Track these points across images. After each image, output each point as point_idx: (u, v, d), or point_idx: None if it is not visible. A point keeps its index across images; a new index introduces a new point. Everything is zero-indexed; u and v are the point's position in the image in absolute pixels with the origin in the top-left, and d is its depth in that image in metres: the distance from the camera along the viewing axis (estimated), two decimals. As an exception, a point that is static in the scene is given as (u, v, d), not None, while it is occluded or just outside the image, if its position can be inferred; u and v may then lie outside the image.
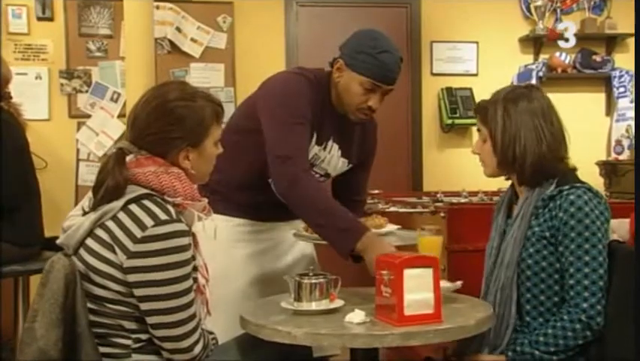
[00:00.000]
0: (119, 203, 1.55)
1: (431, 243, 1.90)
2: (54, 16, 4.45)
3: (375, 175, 4.51)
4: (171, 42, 4.54)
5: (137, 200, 1.56)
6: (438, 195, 3.56)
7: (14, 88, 4.30)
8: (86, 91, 4.49)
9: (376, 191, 3.89)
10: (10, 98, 3.12)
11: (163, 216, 1.54)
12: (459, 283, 1.88)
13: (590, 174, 4.31)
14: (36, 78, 4.44)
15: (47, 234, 3.08)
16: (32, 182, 3.11)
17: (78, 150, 4.47)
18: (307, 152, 2.06)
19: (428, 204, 3.19)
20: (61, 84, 4.48)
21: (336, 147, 2.20)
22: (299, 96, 2.04)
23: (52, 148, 4.40)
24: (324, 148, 2.17)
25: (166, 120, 1.64)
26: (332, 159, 2.21)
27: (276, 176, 1.98)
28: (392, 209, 3.30)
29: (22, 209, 2.97)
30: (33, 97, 4.41)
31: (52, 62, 4.46)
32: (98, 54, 4.51)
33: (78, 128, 4.47)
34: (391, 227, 2.11)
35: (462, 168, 4.52)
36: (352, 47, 2.06)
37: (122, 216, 1.54)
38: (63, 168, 4.41)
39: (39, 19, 4.43)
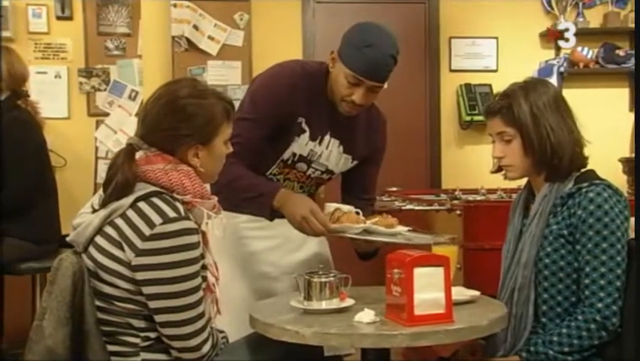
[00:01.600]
0: (128, 200, 1.54)
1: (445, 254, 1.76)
2: (73, 15, 4.48)
3: (393, 172, 4.52)
4: (188, 40, 4.53)
5: (145, 197, 1.55)
6: (456, 193, 3.52)
7: (34, 87, 4.38)
8: (105, 89, 4.51)
9: (394, 188, 3.86)
10: (28, 96, 3.15)
11: (171, 214, 1.53)
12: (477, 293, 1.84)
13: (613, 171, 4.22)
14: (55, 77, 4.48)
15: (65, 231, 3.10)
16: (49, 180, 3.14)
17: (97, 148, 4.49)
18: (245, 155, 2.04)
19: (445, 201, 3.15)
20: (80, 83, 4.51)
21: (336, 142, 2.18)
22: (269, 97, 2.06)
23: (72, 146, 4.44)
24: (320, 143, 2.15)
25: (176, 117, 1.64)
26: (331, 155, 2.18)
27: None
28: (408, 207, 3.26)
29: (40, 207, 3.00)
30: (52, 95, 4.45)
31: (72, 60, 4.49)
32: (116, 52, 4.53)
33: (97, 127, 4.49)
34: (401, 228, 2.07)
35: (481, 165, 4.45)
36: (346, 38, 2.05)
37: (130, 213, 1.54)
38: (82, 166, 4.44)
39: (58, 18, 4.47)
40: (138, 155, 1.62)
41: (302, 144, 2.13)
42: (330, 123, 2.14)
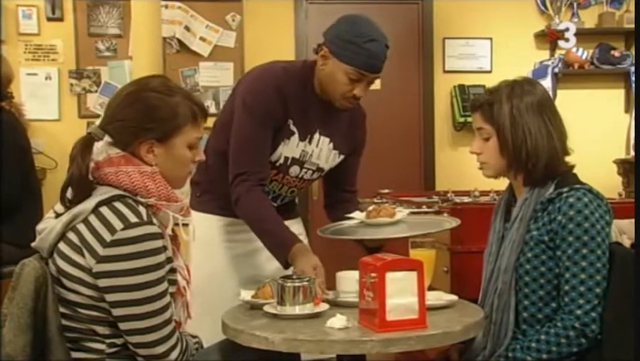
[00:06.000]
0: (90, 205, 1.50)
1: (422, 258, 1.73)
2: (64, 17, 4.47)
3: (386, 175, 4.50)
4: (180, 41, 4.52)
5: (108, 202, 1.51)
6: (448, 195, 3.47)
7: (25, 88, 4.36)
8: (96, 91, 4.50)
9: (386, 190, 3.82)
10: (12, 98, 3.12)
11: (133, 219, 1.49)
12: (455, 297, 1.80)
13: (608, 173, 4.19)
14: (46, 78, 4.47)
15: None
16: (34, 183, 3.11)
17: (87, 150, 4.46)
18: (265, 161, 2.07)
19: (433, 204, 3.11)
20: (71, 84, 4.50)
21: (326, 140, 2.16)
22: (260, 100, 2.04)
23: (62, 148, 4.39)
24: (310, 142, 2.13)
25: (135, 108, 1.59)
26: (322, 153, 2.17)
27: (231, 190, 2.05)
28: (398, 209, 3.22)
29: (23, 210, 2.97)
30: (43, 97, 4.45)
31: (62, 62, 4.49)
32: (107, 54, 4.51)
33: (88, 128, 4.46)
34: (401, 214, 2.07)
35: (475, 167, 4.39)
36: (338, 35, 2.01)
37: (92, 218, 1.49)
38: None
39: (49, 19, 4.46)
40: (102, 157, 1.57)
41: (293, 147, 2.11)
42: (317, 121, 2.12)
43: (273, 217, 2.02)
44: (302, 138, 2.11)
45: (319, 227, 2.16)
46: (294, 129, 2.09)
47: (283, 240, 1.97)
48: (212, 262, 2.15)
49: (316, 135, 2.14)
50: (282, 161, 2.11)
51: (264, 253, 2.19)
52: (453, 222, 2.11)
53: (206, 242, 2.12)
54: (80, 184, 1.52)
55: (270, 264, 2.19)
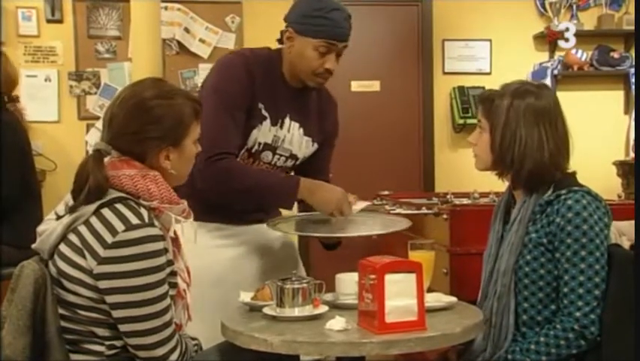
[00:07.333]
0: (92, 207, 1.51)
1: (421, 260, 1.72)
2: (63, 18, 4.46)
3: (386, 176, 4.50)
4: (180, 43, 4.52)
5: (109, 204, 1.52)
6: (448, 196, 3.48)
7: (24, 90, 4.36)
8: (95, 93, 4.49)
9: (385, 192, 3.82)
10: (18, 101, 3.13)
11: (135, 221, 1.49)
12: (454, 299, 1.80)
13: (608, 175, 4.19)
14: (45, 80, 4.46)
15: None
16: (33, 184, 3.11)
17: (87, 152, 4.44)
18: (239, 143, 2.08)
19: (433, 205, 3.11)
20: (71, 86, 4.49)
21: (296, 125, 2.18)
22: (232, 83, 2.05)
23: (62, 150, 4.41)
24: (281, 127, 2.15)
25: (144, 119, 1.60)
26: (293, 138, 2.18)
27: (205, 173, 1.99)
28: (398, 210, 3.22)
29: (23, 211, 2.97)
30: (43, 99, 4.44)
31: (62, 63, 4.48)
32: (106, 55, 4.51)
33: (87, 130, 4.47)
34: (361, 204, 2.10)
35: (474, 168, 4.40)
36: (300, 13, 2.06)
37: (93, 220, 1.50)
38: (72, 170, 4.27)
39: (48, 21, 4.45)
40: (105, 160, 1.59)
41: (265, 131, 2.12)
42: (287, 106, 2.15)
43: (259, 175, 2.09)
44: (273, 123, 2.13)
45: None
46: (266, 114, 2.11)
47: (284, 187, 2.04)
48: (200, 267, 2.13)
49: (287, 120, 2.16)
50: (257, 147, 2.13)
51: (248, 258, 2.20)
52: (406, 224, 2.10)
53: (193, 247, 2.11)
54: (98, 193, 1.53)
55: (255, 268, 2.19)
